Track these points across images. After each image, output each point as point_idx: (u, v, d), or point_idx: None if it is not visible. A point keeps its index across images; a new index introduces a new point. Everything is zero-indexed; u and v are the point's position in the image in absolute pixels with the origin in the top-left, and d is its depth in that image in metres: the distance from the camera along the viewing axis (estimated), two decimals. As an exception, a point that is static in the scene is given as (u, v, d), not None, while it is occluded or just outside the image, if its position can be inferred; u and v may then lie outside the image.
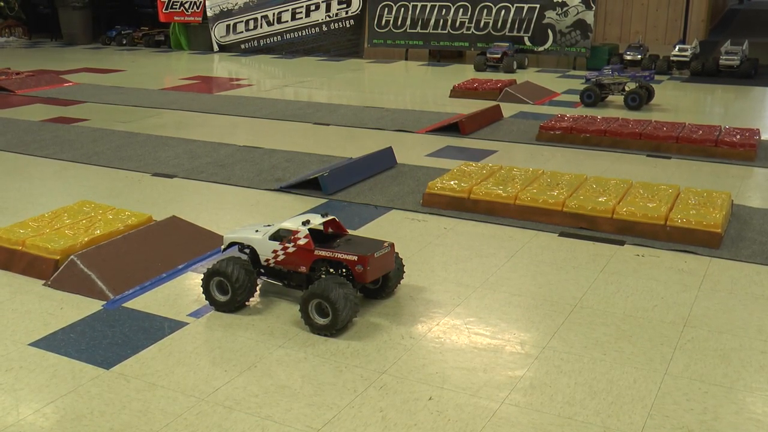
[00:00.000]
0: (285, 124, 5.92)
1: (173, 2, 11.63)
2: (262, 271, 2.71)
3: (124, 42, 12.38)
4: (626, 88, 6.62)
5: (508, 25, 9.57)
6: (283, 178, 4.25)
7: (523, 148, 5.08)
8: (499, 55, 9.00)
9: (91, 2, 12.94)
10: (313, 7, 10.60)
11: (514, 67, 8.92)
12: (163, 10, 11.79)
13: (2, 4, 13.23)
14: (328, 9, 10.53)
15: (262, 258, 2.67)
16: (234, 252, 2.80)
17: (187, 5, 11.51)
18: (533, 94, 7.05)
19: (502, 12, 9.57)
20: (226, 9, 11.19)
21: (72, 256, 2.90)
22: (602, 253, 3.17)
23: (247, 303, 2.66)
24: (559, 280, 2.89)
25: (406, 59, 10.27)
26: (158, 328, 2.53)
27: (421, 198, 3.79)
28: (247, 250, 2.72)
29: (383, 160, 4.42)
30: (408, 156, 4.69)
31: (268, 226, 2.75)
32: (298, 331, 2.49)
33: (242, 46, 11.19)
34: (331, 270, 2.57)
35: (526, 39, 9.46)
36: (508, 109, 6.35)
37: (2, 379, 2.22)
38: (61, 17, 12.88)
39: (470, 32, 9.79)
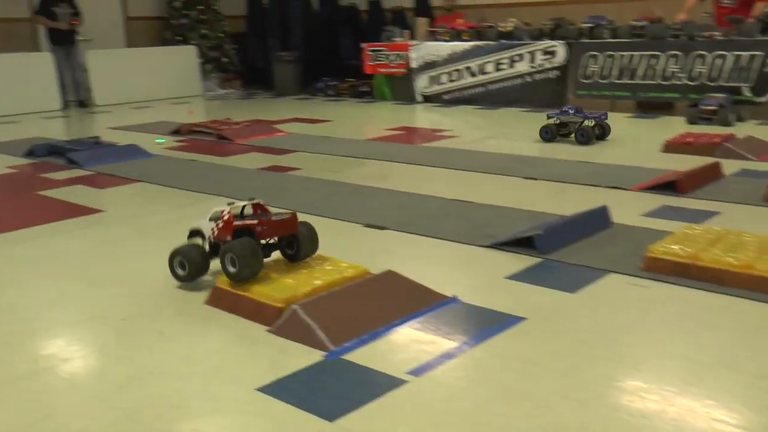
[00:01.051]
0: (491, 178, 5.91)
1: (378, 55, 12.09)
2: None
3: (331, 93, 13.02)
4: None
5: (725, 75, 9.07)
6: (494, 234, 4.21)
7: (750, 210, 4.73)
8: (714, 107, 8.51)
9: (302, 57, 13.76)
10: (517, 58, 10.62)
11: (732, 120, 8.40)
12: (369, 63, 12.29)
13: (226, 59, 14.36)
14: (532, 60, 10.50)
15: (207, 237, 3.40)
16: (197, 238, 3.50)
17: (391, 57, 11.92)
18: (757, 150, 6.58)
19: (718, 60, 9.09)
20: (430, 61, 11.48)
21: (294, 306, 3.01)
22: None
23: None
24: (809, 364, 2.62)
25: (612, 110, 9.98)
26: (378, 383, 2.55)
27: (642, 262, 3.61)
28: (201, 234, 3.44)
29: (598, 220, 4.28)
30: (623, 215, 4.51)
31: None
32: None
33: (445, 97, 11.40)
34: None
35: (745, 89, 8.91)
36: (728, 167, 5.97)
37: (236, 422, 2.32)
38: (275, 70, 13.78)
39: (681, 82, 9.38)
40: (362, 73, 12.64)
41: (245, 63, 15.08)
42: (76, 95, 12.48)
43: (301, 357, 2.76)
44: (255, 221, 3.35)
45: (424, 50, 11.61)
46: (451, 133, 8.49)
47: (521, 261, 3.78)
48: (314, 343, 2.86)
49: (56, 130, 9.85)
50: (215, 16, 14.52)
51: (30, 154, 7.41)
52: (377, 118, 10.60)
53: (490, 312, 3.13)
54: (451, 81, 11.33)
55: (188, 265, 3.42)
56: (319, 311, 3.00)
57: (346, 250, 4.05)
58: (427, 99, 11.61)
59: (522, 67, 10.61)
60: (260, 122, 9.29)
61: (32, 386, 2.58)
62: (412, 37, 12.21)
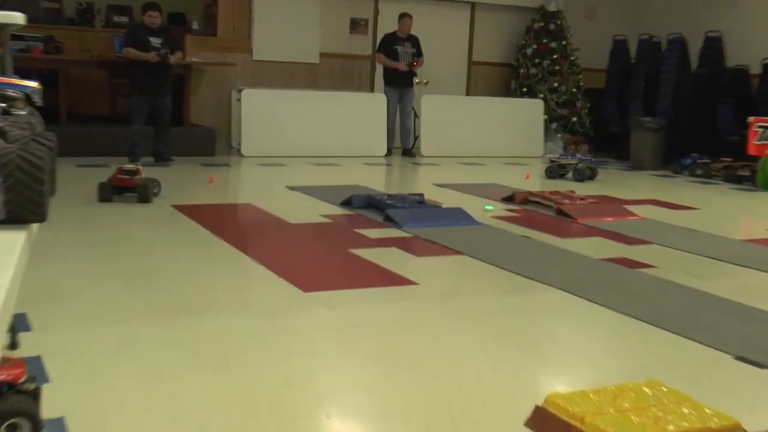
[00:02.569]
0: None
1: (768, 133, 11.33)
2: None
3: (699, 173, 12.43)
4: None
5: None
6: None
7: None
8: None
9: (669, 125, 13.33)
10: None
11: None
12: (754, 141, 11.56)
13: (575, 119, 14.36)
14: None
15: None
16: None
17: (787, 138, 11.10)
18: None
19: None
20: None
21: (636, 455, 2.77)
22: None
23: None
24: None
25: None
26: None
27: None
28: None
29: None
30: None
31: None
32: None
33: None
34: None
35: None
36: None
37: None
38: (633, 138, 13.49)
39: None
40: (744, 153, 11.91)
41: (598, 125, 14.97)
42: (403, 143, 13.26)
43: None
44: None
45: (831, 133, 10.65)
46: None
47: None
48: None
49: (377, 180, 10.52)
50: (571, 68, 14.64)
51: (347, 203, 7.92)
52: (759, 213, 9.86)
53: None
54: None
55: None
56: (668, 468, 2.73)
57: (709, 388, 3.70)
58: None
59: None
60: (610, 200, 9.08)
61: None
62: (817, 114, 11.28)
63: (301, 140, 12.19)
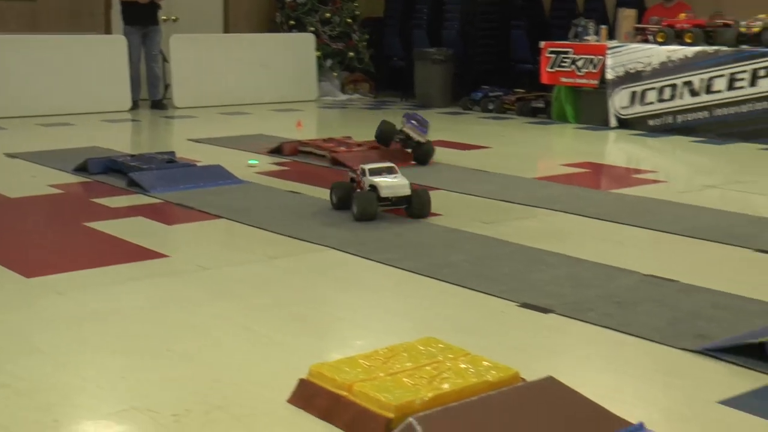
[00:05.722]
0: (711, 247, 5.70)
1: (562, 59, 12.02)
2: None
3: (491, 107, 13.03)
4: None
5: None
6: (709, 334, 4.04)
7: None
8: None
9: (457, 55, 13.82)
10: (762, 73, 10.29)
11: None
12: (547, 69, 12.24)
13: (352, 54, 14.59)
14: (786, 75, 10.16)
15: None
16: None
17: (580, 63, 11.82)
18: None
19: None
20: (633, 71, 11.31)
21: (410, 419, 2.95)
22: None
23: None
24: None
25: None
26: None
27: None
28: None
29: None
30: None
31: None
32: None
33: (650, 123, 11.19)
34: None
35: None
36: None
37: None
38: (417, 73, 13.91)
39: None
40: (538, 83, 12.59)
41: (379, 60, 15.30)
42: (151, 93, 13.08)
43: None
44: None
45: (626, 55, 11.47)
46: (655, 177, 8.29)
47: (746, 379, 3.59)
48: (435, 476, 2.80)
49: (120, 139, 10.36)
50: (344, -5, 14.87)
51: (82, 169, 7.78)
52: (554, 148, 10.52)
53: (692, 453, 2.98)
54: (662, 101, 11.11)
55: None
56: (445, 429, 2.94)
57: (492, 340, 3.98)
58: (625, 124, 11.43)
59: (769, 86, 10.29)
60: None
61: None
62: (611, 35, 12.08)
63: (21, 97, 11.74)
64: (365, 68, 15.07)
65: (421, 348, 3.55)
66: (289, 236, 5.77)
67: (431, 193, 6.41)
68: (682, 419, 3.26)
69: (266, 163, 8.54)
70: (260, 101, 13.51)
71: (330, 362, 3.42)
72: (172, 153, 8.19)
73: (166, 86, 13.24)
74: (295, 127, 11.06)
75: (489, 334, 4.08)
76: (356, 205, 6.10)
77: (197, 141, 9.90)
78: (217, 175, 7.49)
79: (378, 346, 3.58)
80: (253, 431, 3.09)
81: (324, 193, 6.83)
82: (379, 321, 4.34)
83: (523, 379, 3.33)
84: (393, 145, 8.56)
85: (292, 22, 14.65)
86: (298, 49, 14.28)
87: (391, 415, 3.04)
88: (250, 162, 8.43)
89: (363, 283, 4.94)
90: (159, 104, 12.99)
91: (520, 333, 4.14)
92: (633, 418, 3.15)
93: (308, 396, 3.29)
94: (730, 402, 3.38)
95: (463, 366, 3.38)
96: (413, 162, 8.44)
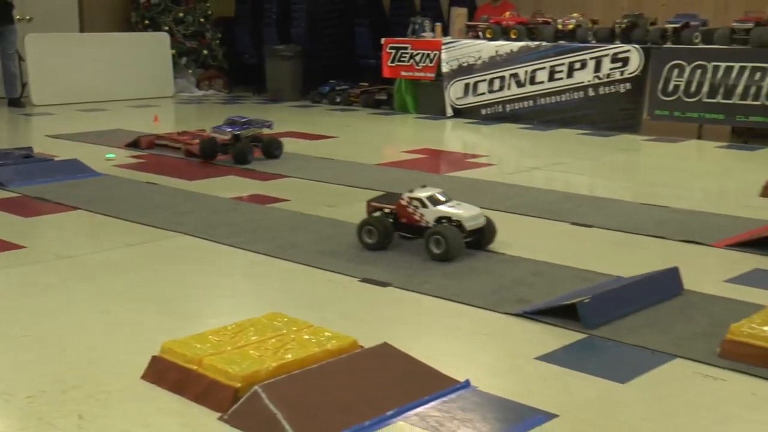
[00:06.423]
0: (533, 222, 5.90)
1: (401, 54, 12.17)
2: None
3: (338, 100, 13.12)
4: None
5: None
6: (528, 298, 4.19)
7: None
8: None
9: (304, 52, 13.87)
10: (578, 65, 10.65)
11: None
12: (388, 63, 12.37)
13: (206, 52, 14.47)
14: (597, 68, 10.52)
15: None
16: None
17: (417, 58, 12.00)
18: None
19: None
20: (466, 64, 11.54)
21: (256, 387, 2.99)
22: None
23: None
24: None
25: (699, 137, 10.00)
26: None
27: (719, 346, 3.56)
28: None
29: (665, 285, 4.24)
30: (699, 280, 4.47)
31: None
32: None
33: (483, 112, 11.45)
34: None
35: None
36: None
37: None
38: (268, 69, 13.91)
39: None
40: (380, 77, 12.73)
41: (232, 57, 15.23)
42: (8, 91, 12.66)
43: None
44: None
45: (459, 50, 11.69)
46: (487, 160, 8.52)
47: (559, 336, 3.75)
48: (278, 437, 2.84)
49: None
50: (196, -5, 14.73)
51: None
52: (395, 137, 10.65)
53: (511, 404, 3.10)
54: (492, 91, 11.39)
55: None
56: (288, 396, 2.98)
57: (332, 313, 4.04)
58: (460, 113, 11.67)
59: (584, 77, 10.65)
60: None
61: None
62: (446, 32, 12.29)
63: None
64: (219, 65, 15.00)
65: (267, 322, 3.58)
66: (144, 224, 5.70)
67: (281, 181, 6.41)
68: (502, 374, 3.39)
69: (124, 156, 8.40)
70: (119, 98, 13.26)
71: (181, 339, 3.42)
72: (30, 148, 7.99)
73: (24, 84, 12.81)
74: (152, 122, 10.86)
75: (332, 309, 4.13)
76: (445, 245, 4.78)
77: (55, 137, 9.65)
78: (74, 168, 7.33)
79: (228, 323, 3.59)
80: (108, 407, 3.06)
81: (178, 183, 6.75)
82: (230, 300, 4.35)
83: (362, 347, 3.41)
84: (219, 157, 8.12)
85: (146, 22, 14.44)
86: (154, 47, 14.06)
87: (238, 384, 3.07)
88: (107, 156, 8.26)
89: (215, 265, 4.92)
90: (17, 102, 12.59)
91: (361, 306, 4.21)
92: (460, 376, 3.27)
93: (161, 371, 3.28)
94: (545, 357, 3.53)
95: (306, 337, 3.43)
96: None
